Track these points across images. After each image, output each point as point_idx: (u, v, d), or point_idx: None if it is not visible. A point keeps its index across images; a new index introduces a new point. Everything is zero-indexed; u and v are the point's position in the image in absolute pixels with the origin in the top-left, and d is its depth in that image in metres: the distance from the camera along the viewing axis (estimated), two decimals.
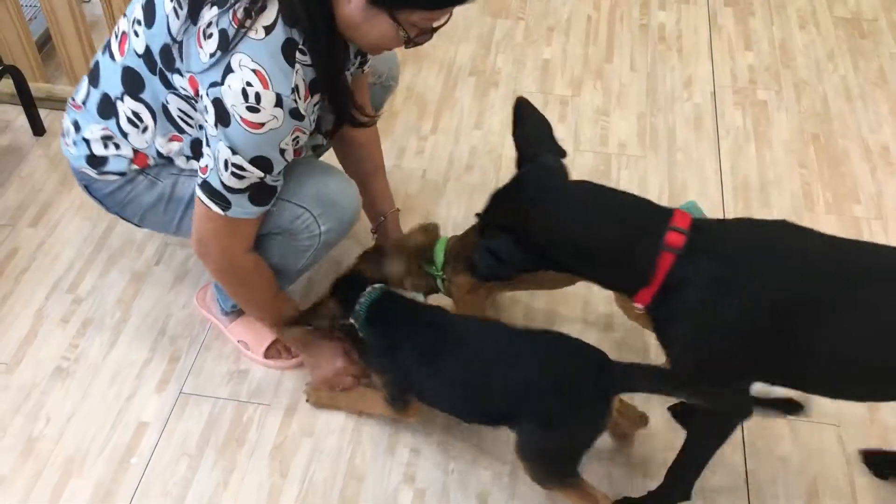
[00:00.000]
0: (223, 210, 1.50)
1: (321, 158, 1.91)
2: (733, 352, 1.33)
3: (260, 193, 1.51)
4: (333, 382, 1.82)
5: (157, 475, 1.73)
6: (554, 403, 1.45)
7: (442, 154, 2.43)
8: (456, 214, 2.25)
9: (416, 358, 1.59)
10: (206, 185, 1.49)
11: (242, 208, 1.51)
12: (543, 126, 1.48)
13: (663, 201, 2.25)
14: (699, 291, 1.29)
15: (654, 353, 1.91)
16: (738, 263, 1.29)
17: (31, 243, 2.16)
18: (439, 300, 1.84)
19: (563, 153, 1.45)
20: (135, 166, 1.65)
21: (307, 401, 1.84)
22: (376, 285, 1.68)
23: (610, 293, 1.92)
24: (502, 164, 2.40)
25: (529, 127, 1.47)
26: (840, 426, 1.82)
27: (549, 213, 1.35)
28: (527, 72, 2.72)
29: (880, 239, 2.21)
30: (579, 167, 2.38)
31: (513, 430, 1.54)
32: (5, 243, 2.16)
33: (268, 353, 1.91)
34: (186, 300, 2.04)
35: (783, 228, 1.34)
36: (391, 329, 1.63)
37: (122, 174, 1.67)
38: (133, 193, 1.70)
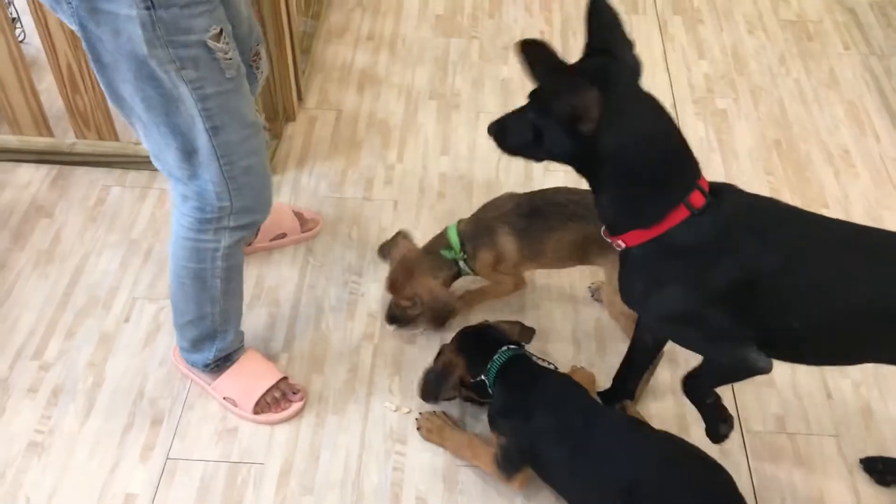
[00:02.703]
0: None
1: None
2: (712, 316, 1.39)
3: None
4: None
5: None
6: None
7: (411, 183, 2.38)
8: None
9: (548, 432, 1.59)
10: None
11: None
12: (615, 18, 1.37)
13: None
14: (688, 261, 1.36)
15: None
16: (732, 242, 1.34)
17: None
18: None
19: (632, 45, 1.36)
20: None
21: (418, 429, 1.82)
22: (510, 346, 1.72)
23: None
24: (473, 190, 2.36)
25: (603, 16, 1.35)
26: (838, 436, 1.84)
27: (623, 112, 1.28)
28: (487, 91, 2.69)
29: None
30: (549, 185, 2.35)
31: None
32: None
33: (257, 409, 1.83)
34: (162, 357, 1.95)
35: (776, 208, 1.42)
36: (523, 395, 1.65)
37: None
38: None
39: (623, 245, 1.40)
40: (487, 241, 1.86)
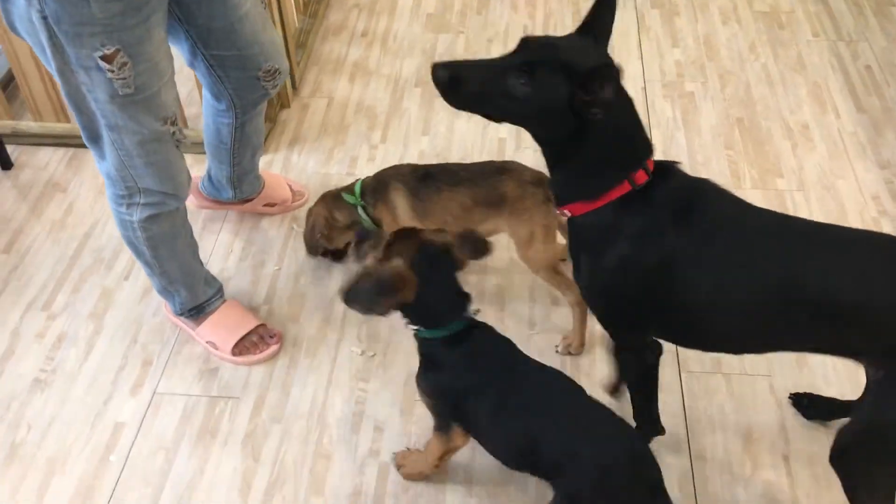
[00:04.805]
0: None
1: None
2: (625, 296, 1.47)
3: None
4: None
5: (136, 468, 1.84)
6: (594, 485, 1.46)
7: (392, 160, 2.56)
8: None
9: (483, 395, 1.54)
10: None
11: None
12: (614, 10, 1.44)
13: None
14: (621, 233, 1.41)
15: None
16: (656, 222, 1.40)
17: (4, 269, 2.27)
18: None
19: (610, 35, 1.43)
20: None
21: (398, 470, 1.81)
22: (469, 320, 1.56)
23: None
24: None
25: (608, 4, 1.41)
26: (771, 376, 1.96)
27: (620, 94, 1.34)
28: None
29: (802, 208, 2.37)
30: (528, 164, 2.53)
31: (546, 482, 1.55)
32: None
33: (235, 351, 2.02)
34: (156, 309, 2.16)
35: (705, 191, 1.44)
36: (472, 360, 1.56)
37: None
38: None
39: (569, 214, 1.46)
40: (382, 195, 2.07)
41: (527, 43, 1.37)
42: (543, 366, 1.59)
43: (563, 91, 1.30)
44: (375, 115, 2.74)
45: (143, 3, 1.51)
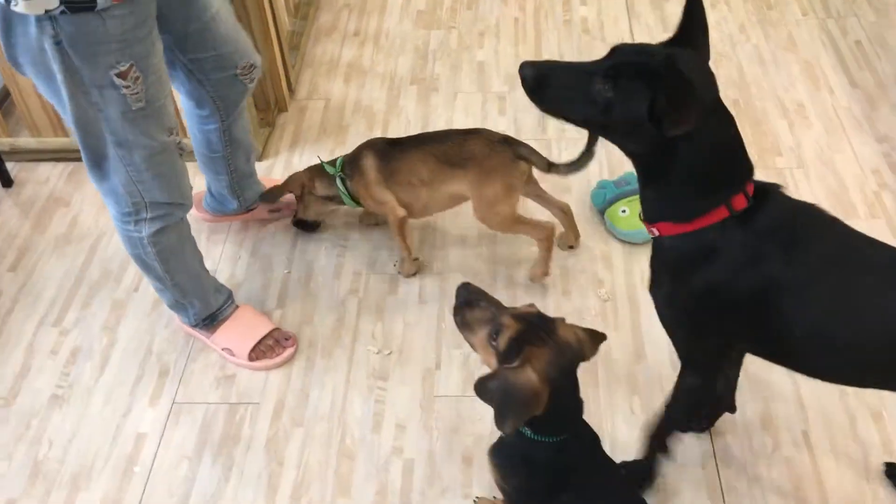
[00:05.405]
0: None
1: None
2: (709, 320, 1.41)
3: None
4: None
5: (161, 479, 1.84)
6: None
7: None
8: None
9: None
10: None
11: None
12: (703, 12, 1.34)
13: (602, 175, 2.45)
14: (717, 259, 1.33)
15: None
16: (757, 252, 1.32)
17: (12, 286, 2.26)
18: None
19: (707, 31, 1.34)
20: None
21: None
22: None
23: None
24: None
25: (696, 7, 1.33)
26: None
27: (705, 121, 1.25)
28: (464, 74, 2.88)
29: (803, 185, 2.39)
30: None
31: None
32: None
33: (252, 356, 2.03)
34: (168, 320, 2.15)
35: (814, 219, 1.36)
36: (564, 468, 1.40)
37: None
38: None
39: (656, 233, 1.39)
40: (357, 165, 2.13)
41: (619, 48, 1.31)
42: (619, 471, 1.57)
43: (645, 102, 1.22)
44: (373, 115, 2.75)
45: (147, 14, 1.52)
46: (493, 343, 1.32)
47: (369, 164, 2.11)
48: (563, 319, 1.36)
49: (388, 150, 2.11)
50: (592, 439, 1.45)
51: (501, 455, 1.45)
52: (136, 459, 1.88)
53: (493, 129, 2.11)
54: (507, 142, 2.02)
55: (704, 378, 1.56)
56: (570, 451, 1.38)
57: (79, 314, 2.19)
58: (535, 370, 1.25)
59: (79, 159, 2.55)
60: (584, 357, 1.35)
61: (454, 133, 2.11)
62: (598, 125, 1.35)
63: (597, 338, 1.39)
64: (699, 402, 1.62)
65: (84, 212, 2.47)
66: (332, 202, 2.24)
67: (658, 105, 1.22)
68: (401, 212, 2.13)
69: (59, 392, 2.02)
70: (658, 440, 1.70)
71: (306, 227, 2.34)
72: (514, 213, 2.07)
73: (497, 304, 1.38)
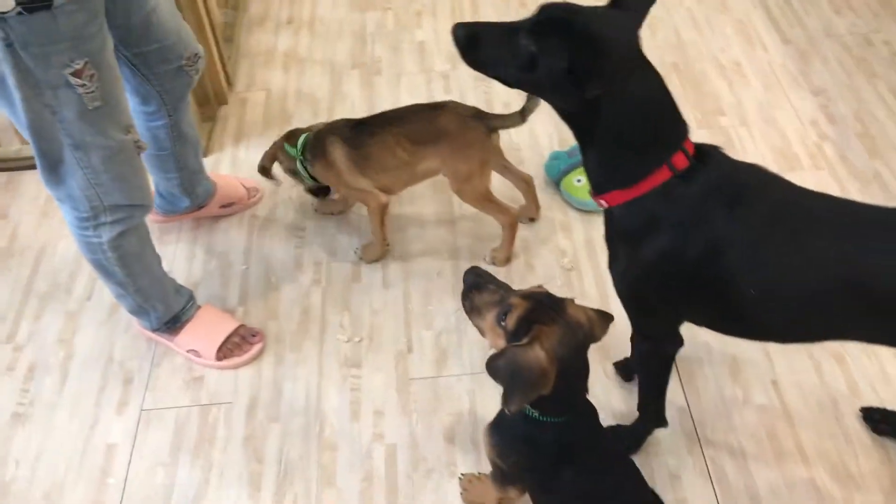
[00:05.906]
0: None
1: None
2: (663, 289, 1.42)
3: None
4: None
5: (137, 489, 1.79)
6: None
7: None
8: None
9: (560, 480, 1.41)
10: None
11: None
12: None
13: (553, 147, 2.46)
14: (664, 223, 1.32)
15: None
16: (703, 212, 1.31)
17: None
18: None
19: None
20: None
21: (461, 493, 1.73)
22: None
23: None
24: None
25: None
26: None
27: (626, 78, 1.25)
28: (405, 55, 2.86)
29: (748, 142, 2.45)
30: None
31: None
32: None
33: (219, 356, 1.98)
34: (127, 325, 2.09)
35: (756, 177, 1.36)
36: (567, 449, 1.39)
37: None
38: None
39: (605, 205, 1.38)
40: (320, 152, 2.08)
41: (546, 6, 1.28)
42: (622, 454, 1.56)
43: (564, 58, 1.22)
44: (317, 102, 2.70)
45: (98, 9, 1.46)
46: (502, 324, 1.30)
47: (338, 153, 2.05)
48: (572, 300, 1.33)
49: (356, 136, 2.05)
50: (592, 415, 1.44)
51: (500, 434, 1.44)
52: (110, 471, 1.82)
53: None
54: (479, 116, 2.00)
55: (657, 344, 1.58)
56: (574, 430, 1.38)
57: (31, 328, 2.11)
58: (543, 348, 1.23)
59: (14, 168, 2.49)
60: (595, 337, 1.34)
61: (420, 108, 2.06)
62: (527, 83, 1.33)
63: (606, 318, 1.37)
64: (659, 365, 1.65)
65: (24, 223, 2.37)
66: (296, 176, 2.21)
67: (577, 63, 1.21)
68: (384, 198, 2.10)
69: (20, 410, 1.94)
70: (649, 413, 1.73)
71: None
72: (488, 189, 2.06)
73: (505, 287, 1.37)
